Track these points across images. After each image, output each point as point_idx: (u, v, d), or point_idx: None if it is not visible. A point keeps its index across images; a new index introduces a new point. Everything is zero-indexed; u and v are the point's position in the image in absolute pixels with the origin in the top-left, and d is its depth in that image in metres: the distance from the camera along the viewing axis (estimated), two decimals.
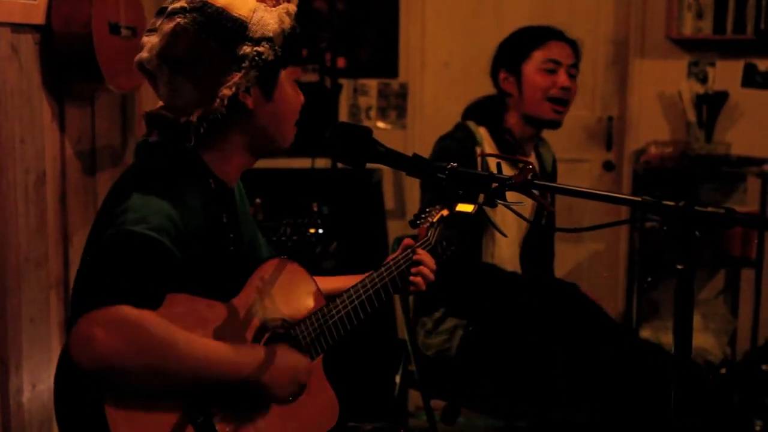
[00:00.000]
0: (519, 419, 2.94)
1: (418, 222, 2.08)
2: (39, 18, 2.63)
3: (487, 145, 2.89)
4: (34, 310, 2.63)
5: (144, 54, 1.77)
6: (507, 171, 2.82)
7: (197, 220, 1.72)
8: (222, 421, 1.68)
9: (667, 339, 3.97)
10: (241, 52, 1.72)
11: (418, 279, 2.03)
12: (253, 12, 1.74)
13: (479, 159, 2.83)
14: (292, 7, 1.79)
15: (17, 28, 2.52)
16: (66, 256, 2.85)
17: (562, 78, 2.88)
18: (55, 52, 2.67)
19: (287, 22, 1.76)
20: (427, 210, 2.09)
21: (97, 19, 2.66)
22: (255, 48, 1.72)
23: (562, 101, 2.90)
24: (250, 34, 1.73)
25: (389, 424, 2.09)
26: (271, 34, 1.74)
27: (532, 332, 2.75)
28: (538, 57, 2.89)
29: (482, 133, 2.92)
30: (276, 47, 1.74)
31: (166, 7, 1.76)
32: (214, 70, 1.72)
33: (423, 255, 2.05)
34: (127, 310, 1.53)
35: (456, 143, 2.88)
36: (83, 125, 2.96)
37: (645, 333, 4.12)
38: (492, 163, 2.78)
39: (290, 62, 1.81)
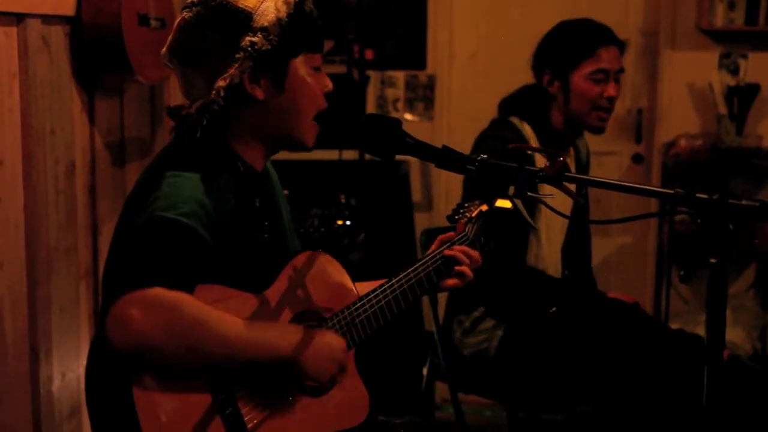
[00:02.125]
0: (549, 413, 2.93)
1: (456, 217, 2.05)
2: (69, 9, 2.64)
3: (534, 143, 2.82)
4: (63, 299, 2.65)
5: (163, 49, 1.82)
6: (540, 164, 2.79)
7: (229, 205, 1.73)
8: (250, 413, 1.68)
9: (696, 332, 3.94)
10: (242, 43, 1.73)
11: (458, 277, 1.98)
12: (261, 2, 1.75)
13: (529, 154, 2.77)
14: None
15: (47, 19, 2.53)
16: (95, 246, 2.87)
17: (610, 88, 2.80)
18: (84, 43, 2.68)
19: (284, 11, 1.75)
20: (466, 205, 2.07)
21: (127, 10, 2.67)
22: (251, 39, 1.73)
23: (607, 110, 2.84)
24: (253, 24, 1.74)
25: (418, 419, 2.08)
26: (266, 24, 1.74)
27: (573, 337, 2.73)
28: (587, 68, 2.79)
29: (528, 130, 2.84)
30: (272, 37, 1.74)
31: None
32: (218, 62, 1.74)
33: (465, 250, 1.99)
34: (162, 292, 1.55)
35: (504, 144, 2.77)
36: (112, 116, 2.97)
37: (674, 326, 4.09)
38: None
39: (299, 50, 1.80)
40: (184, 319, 1.56)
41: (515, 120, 2.86)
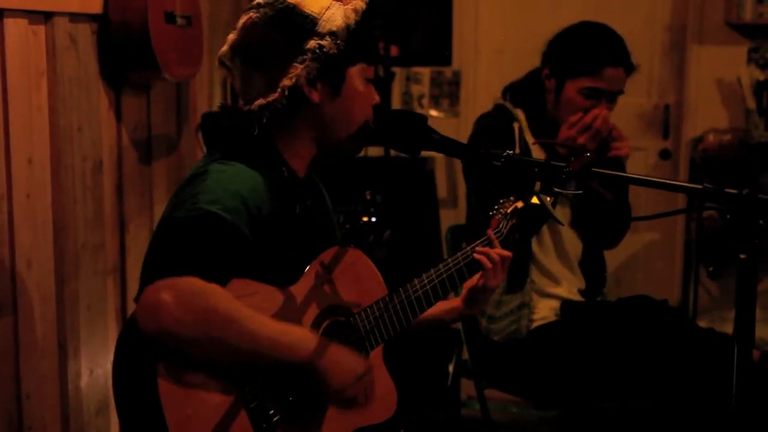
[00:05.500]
0: (574, 409, 2.91)
1: (491, 213, 2.05)
2: (96, 8, 2.66)
3: (524, 127, 2.86)
4: (91, 296, 2.67)
5: (224, 48, 1.85)
6: (538, 155, 2.82)
7: (270, 206, 1.75)
8: (276, 406, 1.68)
9: (724, 330, 3.91)
10: (307, 46, 1.76)
11: (483, 259, 1.97)
12: (326, 9, 1.80)
13: (517, 135, 2.80)
14: (360, 4, 1.82)
15: (75, 17, 2.55)
16: (122, 243, 2.88)
17: (600, 107, 2.75)
18: (111, 41, 2.69)
19: (352, 18, 1.80)
20: (501, 201, 2.06)
21: (153, 8, 2.68)
22: (319, 42, 1.76)
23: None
24: (318, 30, 1.78)
25: (445, 414, 2.08)
26: (335, 29, 1.78)
27: (602, 333, 2.73)
28: (584, 82, 2.75)
29: (519, 114, 2.88)
30: (338, 41, 1.78)
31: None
32: (282, 63, 1.77)
33: (489, 252, 1.97)
34: (196, 281, 1.57)
35: (494, 120, 2.87)
36: (139, 114, 2.98)
37: (702, 324, 4.05)
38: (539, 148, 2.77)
39: (358, 59, 1.84)
40: (215, 311, 1.57)
41: (507, 104, 2.92)
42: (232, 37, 1.84)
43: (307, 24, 1.77)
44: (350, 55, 1.81)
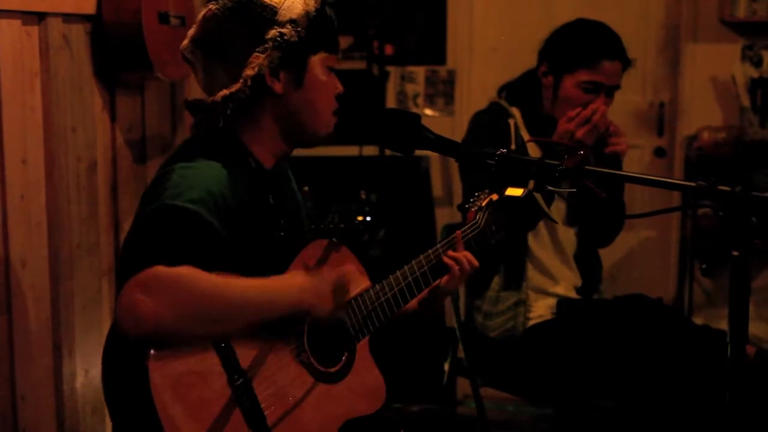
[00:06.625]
0: (570, 407, 2.92)
1: (466, 206, 2.06)
2: (90, 8, 2.65)
3: (520, 125, 2.86)
4: (86, 297, 2.66)
5: (184, 42, 1.84)
6: (534, 153, 2.82)
7: (240, 197, 1.74)
8: (267, 400, 1.69)
9: (719, 327, 3.91)
10: (268, 36, 1.76)
11: (451, 262, 1.97)
12: None
13: (513, 132, 2.81)
14: None
15: (68, 18, 2.55)
16: (117, 243, 2.88)
17: (598, 101, 2.75)
18: (105, 41, 2.69)
19: (311, 5, 1.80)
20: (476, 194, 2.08)
21: (147, 8, 2.68)
22: (280, 30, 1.76)
23: None
24: (279, 19, 1.77)
25: (435, 407, 2.09)
26: (295, 17, 1.78)
27: (597, 330, 2.73)
28: (581, 76, 2.76)
29: (514, 112, 2.89)
30: (299, 29, 1.78)
31: None
32: (243, 53, 1.77)
33: (457, 256, 1.98)
34: (162, 269, 1.54)
35: (489, 117, 2.88)
36: (133, 114, 2.98)
37: (697, 321, 4.06)
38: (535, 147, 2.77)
39: (319, 47, 1.83)
40: (192, 292, 1.56)
41: (504, 102, 2.93)
42: (192, 30, 1.83)
43: (267, 13, 1.77)
44: (311, 43, 1.81)
